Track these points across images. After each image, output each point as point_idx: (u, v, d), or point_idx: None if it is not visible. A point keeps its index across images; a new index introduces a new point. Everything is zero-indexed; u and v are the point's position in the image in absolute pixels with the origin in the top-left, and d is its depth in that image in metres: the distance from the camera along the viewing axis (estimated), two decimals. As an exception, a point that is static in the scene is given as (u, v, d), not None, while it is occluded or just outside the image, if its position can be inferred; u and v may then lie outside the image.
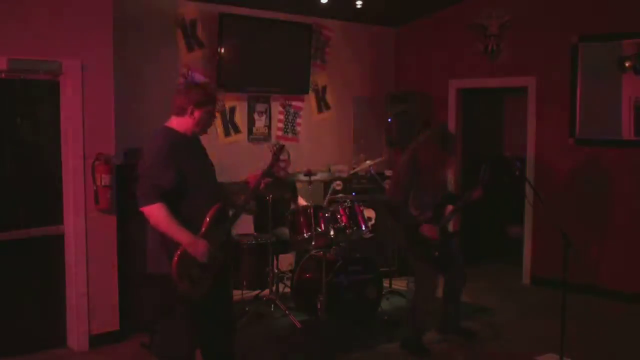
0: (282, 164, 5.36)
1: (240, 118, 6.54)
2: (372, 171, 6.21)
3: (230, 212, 3.63)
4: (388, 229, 5.48)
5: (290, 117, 6.96)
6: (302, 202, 6.16)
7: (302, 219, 5.36)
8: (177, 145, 3.38)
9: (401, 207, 4.60)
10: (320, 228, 5.33)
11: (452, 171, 4.78)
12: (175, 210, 3.30)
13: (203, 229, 3.37)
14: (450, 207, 4.79)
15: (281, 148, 3.81)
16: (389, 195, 4.65)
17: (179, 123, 3.45)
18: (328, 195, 6.50)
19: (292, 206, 5.90)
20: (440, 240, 4.64)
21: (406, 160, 4.69)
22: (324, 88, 7.24)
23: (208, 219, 3.38)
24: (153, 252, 3.43)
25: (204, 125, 3.49)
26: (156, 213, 3.26)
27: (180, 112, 3.43)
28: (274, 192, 5.55)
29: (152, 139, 3.43)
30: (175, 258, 3.26)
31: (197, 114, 3.42)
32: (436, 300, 4.83)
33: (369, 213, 6.09)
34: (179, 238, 3.28)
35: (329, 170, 7.05)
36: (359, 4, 6.61)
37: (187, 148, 3.44)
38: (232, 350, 3.70)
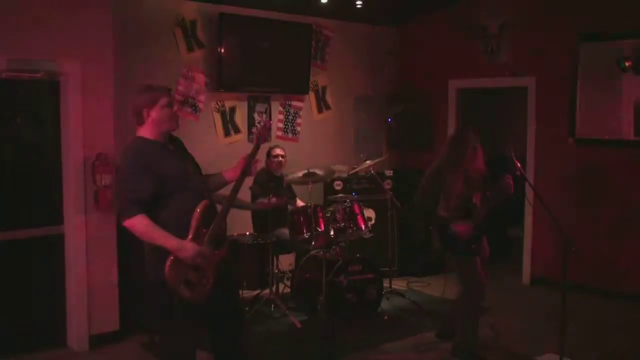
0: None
1: (240, 118, 6.54)
2: (372, 171, 6.21)
3: (220, 207, 3.53)
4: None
5: (290, 117, 6.96)
6: (300, 203, 6.17)
7: (302, 219, 5.37)
8: (148, 152, 3.33)
9: (430, 209, 4.64)
10: (320, 228, 5.34)
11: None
12: (162, 215, 3.26)
13: (191, 230, 3.30)
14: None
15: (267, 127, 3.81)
16: (415, 198, 4.70)
17: (144, 131, 3.41)
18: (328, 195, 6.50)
19: (290, 207, 5.90)
20: (474, 236, 4.57)
21: (433, 165, 4.74)
22: (324, 88, 7.24)
23: (194, 220, 3.31)
24: (150, 261, 3.39)
25: (168, 121, 3.40)
26: (138, 225, 3.21)
27: (140, 121, 3.39)
28: (274, 195, 5.56)
29: (123, 153, 3.39)
30: (167, 266, 3.21)
31: (153, 114, 3.36)
32: (485, 298, 4.70)
33: (369, 213, 6.09)
34: (166, 244, 3.22)
35: (329, 170, 7.04)
36: (359, 4, 6.61)
37: (159, 153, 3.37)
38: (241, 345, 3.66)
